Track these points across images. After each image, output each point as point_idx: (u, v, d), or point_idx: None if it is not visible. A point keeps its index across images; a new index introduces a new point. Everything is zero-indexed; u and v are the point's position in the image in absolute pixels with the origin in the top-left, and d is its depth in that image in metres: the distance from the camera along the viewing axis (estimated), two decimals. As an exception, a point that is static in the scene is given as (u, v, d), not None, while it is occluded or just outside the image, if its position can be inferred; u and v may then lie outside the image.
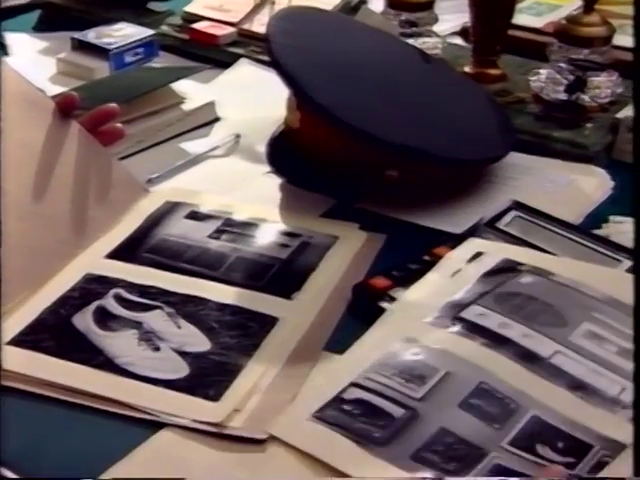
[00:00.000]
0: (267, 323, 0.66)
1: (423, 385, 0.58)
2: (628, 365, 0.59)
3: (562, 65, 0.93)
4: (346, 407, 0.57)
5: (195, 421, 0.58)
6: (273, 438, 0.57)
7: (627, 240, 0.74)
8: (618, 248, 0.72)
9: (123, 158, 0.87)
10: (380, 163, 0.80)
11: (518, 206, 0.78)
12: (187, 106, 0.96)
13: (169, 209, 0.80)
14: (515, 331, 0.62)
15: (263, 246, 0.76)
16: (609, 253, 0.72)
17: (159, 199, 0.81)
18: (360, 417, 0.56)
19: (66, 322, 0.66)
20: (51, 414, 0.60)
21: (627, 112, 0.90)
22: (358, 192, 0.82)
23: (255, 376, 0.61)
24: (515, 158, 0.87)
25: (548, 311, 0.64)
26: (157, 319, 0.67)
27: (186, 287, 0.70)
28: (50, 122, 0.77)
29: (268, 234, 0.77)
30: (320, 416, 0.57)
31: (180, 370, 0.62)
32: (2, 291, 0.63)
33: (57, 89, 0.93)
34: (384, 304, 0.66)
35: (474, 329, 0.62)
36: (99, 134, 0.80)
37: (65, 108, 0.78)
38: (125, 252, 0.74)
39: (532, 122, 0.92)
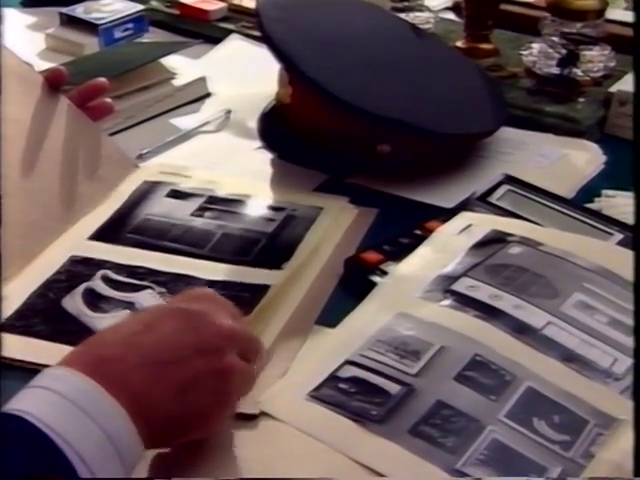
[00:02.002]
0: (260, 291, 0.66)
1: (418, 361, 0.58)
2: (619, 336, 0.60)
3: (554, 39, 0.92)
4: (342, 385, 0.57)
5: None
6: (264, 414, 0.57)
7: (619, 214, 0.74)
8: (610, 221, 0.72)
9: (113, 134, 0.87)
10: (372, 138, 0.80)
11: (510, 180, 0.78)
12: (178, 82, 0.96)
13: (148, 189, 0.79)
14: (506, 302, 0.62)
15: (248, 221, 0.75)
16: (601, 226, 0.72)
17: (138, 179, 0.80)
18: (356, 395, 0.56)
19: (56, 305, 0.65)
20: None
21: (620, 86, 0.90)
22: (350, 167, 0.82)
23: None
24: (507, 133, 0.87)
25: (539, 282, 0.63)
26: (149, 298, 0.66)
27: (174, 266, 0.69)
28: (39, 97, 0.76)
29: (252, 209, 0.77)
30: (316, 395, 0.57)
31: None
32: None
33: (46, 65, 0.92)
34: (376, 278, 0.66)
35: (466, 302, 0.62)
36: (88, 109, 0.79)
37: (54, 83, 0.78)
38: (108, 233, 0.73)
39: (524, 97, 0.92)
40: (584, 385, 0.57)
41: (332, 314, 0.64)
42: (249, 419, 0.56)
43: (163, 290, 0.67)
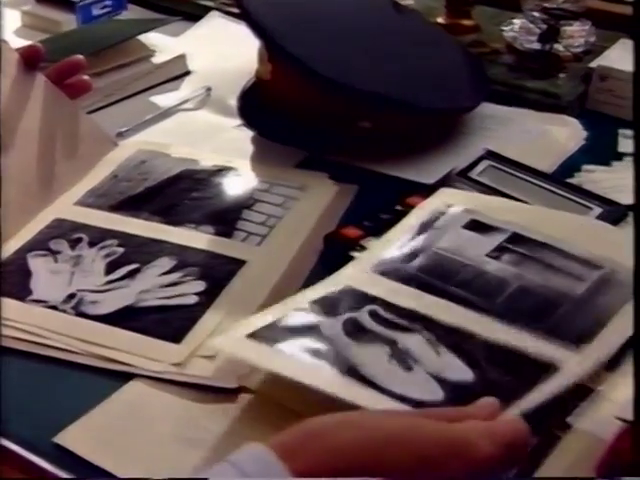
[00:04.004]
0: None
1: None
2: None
3: (535, 14, 0.92)
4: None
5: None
6: (244, 389, 0.57)
7: (598, 188, 0.75)
8: (589, 196, 0.72)
9: (92, 112, 0.86)
10: (352, 114, 0.80)
11: (491, 155, 0.77)
12: (157, 59, 0.95)
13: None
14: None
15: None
16: (580, 201, 0.72)
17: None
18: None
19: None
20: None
21: (600, 61, 0.90)
22: (330, 144, 0.82)
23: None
24: (488, 109, 0.87)
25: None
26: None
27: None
28: (14, 74, 0.75)
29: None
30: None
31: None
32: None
33: (21, 43, 0.91)
34: (355, 254, 0.66)
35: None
36: (65, 87, 0.78)
37: (30, 60, 0.77)
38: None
39: (505, 72, 0.91)
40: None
41: (312, 290, 0.64)
42: (228, 393, 0.56)
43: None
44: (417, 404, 0.51)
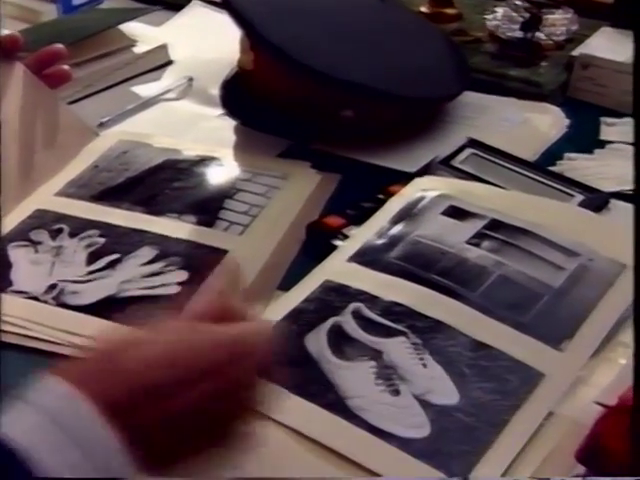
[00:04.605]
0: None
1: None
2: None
3: (518, 2, 0.92)
4: None
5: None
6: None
7: (580, 176, 0.75)
8: (571, 183, 0.72)
9: (73, 102, 0.86)
10: (335, 103, 0.79)
11: (473, 144, 0.77)
12: (138, 49, 0.94)
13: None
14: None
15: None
16: (562, 188, 0.72)
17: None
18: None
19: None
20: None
21: (582, 49, 0.90)
22: (313, 133, 0.81)
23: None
24: (471, 97, 0.87)
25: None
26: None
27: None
28: (-7, 64, 0.75)
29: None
30: None
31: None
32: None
33: (2, 33, 0.90)
34: (337, 242, 0.66)
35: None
36: (45, 77, 0.77)
37: (9, 49, 0.76)
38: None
39: (488, 61, 0.91)
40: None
41: (294, 279, 0.64)
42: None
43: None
44: (404, 442, 0.50)
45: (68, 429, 0.40)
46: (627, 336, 0.56)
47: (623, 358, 0.54)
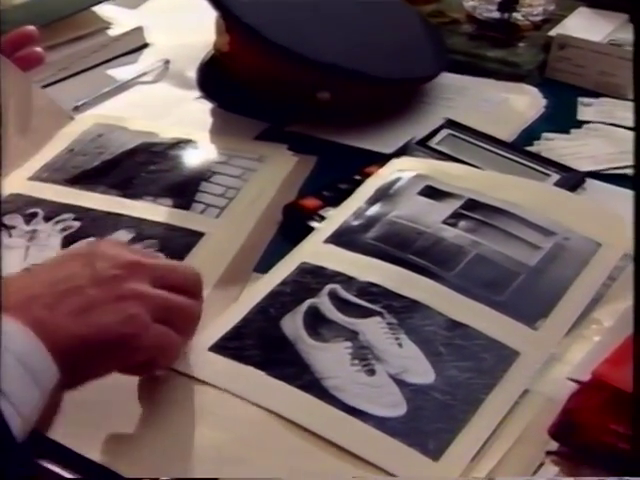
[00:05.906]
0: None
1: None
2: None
3: (495, -17, 0.92)
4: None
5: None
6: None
7: (557, 156, 0.75)
8: (548, 163, 0.72)
9: (47, 85, 0.85)
10: (311, 85, 0.79)
11: (451, 124, 0.77)
12: (114, 32, 0.93)
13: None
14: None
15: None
16: (539, 168, 0.72)
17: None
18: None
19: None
20: None
21: (559, 30, 0.90)
22: (289, 115, 0.81)
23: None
24: (448, 78, 0.86)
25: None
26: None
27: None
28: (-36, 47, 0.74)
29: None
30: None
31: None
32: None
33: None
34: (314, 224, 0.66)
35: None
36: (17, 59, 0.76)
37: (-20, 32, 0.75)
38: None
39: (465, 42, 0.91)
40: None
41: (271, 261, 0.64)
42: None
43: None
44: (380, 421, 0.50)
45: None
46: (601, 313, 0.57)
47: (597, 335, 0.54)
